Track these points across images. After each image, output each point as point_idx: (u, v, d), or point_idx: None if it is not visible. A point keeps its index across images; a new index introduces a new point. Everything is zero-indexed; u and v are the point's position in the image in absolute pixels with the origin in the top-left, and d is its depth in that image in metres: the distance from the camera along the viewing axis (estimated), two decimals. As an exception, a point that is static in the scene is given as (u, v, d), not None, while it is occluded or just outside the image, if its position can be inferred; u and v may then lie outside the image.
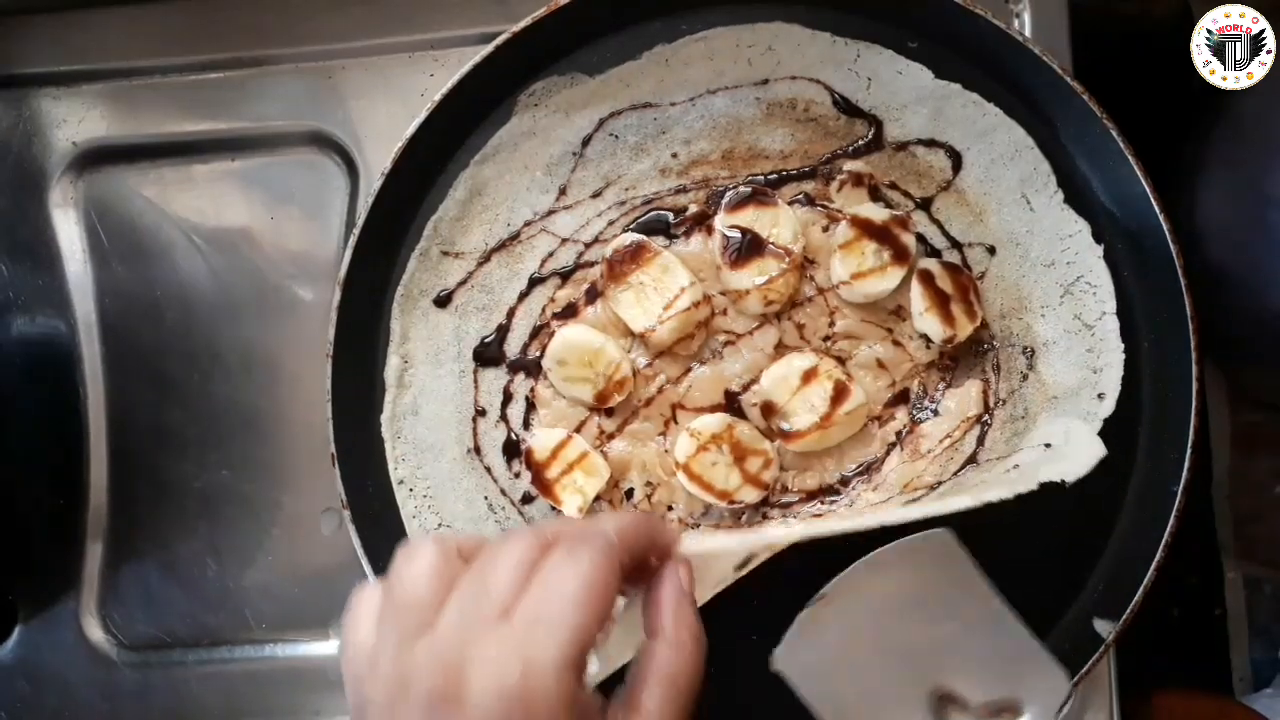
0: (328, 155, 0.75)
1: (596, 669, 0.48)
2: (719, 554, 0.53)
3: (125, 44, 0.76)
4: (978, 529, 0.65)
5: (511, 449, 0.66)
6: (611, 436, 0.65)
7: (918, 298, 0.63)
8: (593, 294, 0.65)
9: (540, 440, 0.64)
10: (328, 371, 0.64)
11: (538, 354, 0.66)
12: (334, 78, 0.74)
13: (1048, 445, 0.61)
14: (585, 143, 0.66)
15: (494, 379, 0.66)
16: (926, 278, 0.64)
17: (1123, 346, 0.64)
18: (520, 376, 0.66)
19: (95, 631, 0.76)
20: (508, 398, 0.66)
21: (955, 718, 0.51)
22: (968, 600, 0.52)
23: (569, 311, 0.66)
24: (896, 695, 0.51)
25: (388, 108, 0.74)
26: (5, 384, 0.77)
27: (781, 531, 0.54)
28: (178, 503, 0.76)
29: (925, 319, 0.63)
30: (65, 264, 0.77)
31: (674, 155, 0.66)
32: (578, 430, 0.65)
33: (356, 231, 0.64)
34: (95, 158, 0.77)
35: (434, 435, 0.66)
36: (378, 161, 0.73)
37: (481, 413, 0.66)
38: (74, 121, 0.77)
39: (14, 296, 0.77)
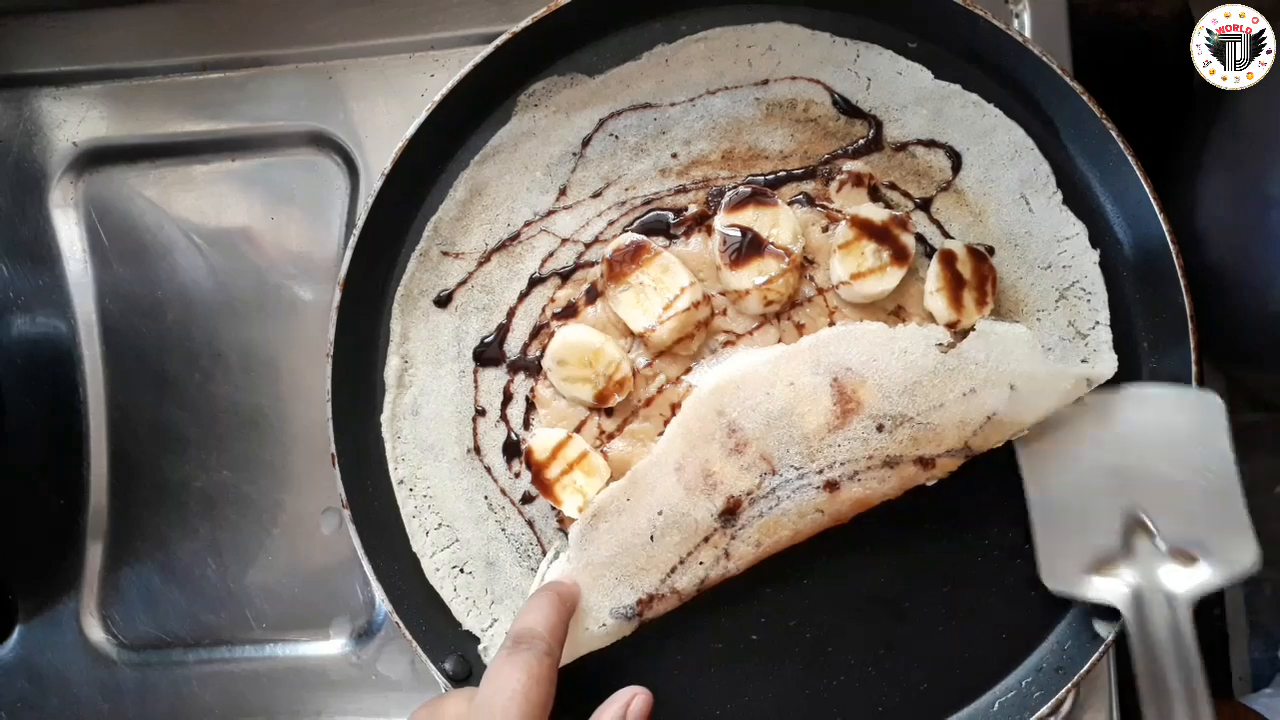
0: (328, 155, 0.76)
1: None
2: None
3: (125, 44, 0.76)
4: (979, 531, 0.66)
5: (511, 449, 0.66)
6: (611, 436, 0.65)
7: (933, 276, 0.63)
8: (593, 294, 0.65)
9: (540, 440, 0.64)
10: (328, 372, 0.64)
11: (538, 354, 0.66)
12: (334, 78, 0.74)
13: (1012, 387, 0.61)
14: (585, 143, 0.66)
15: (494, 379, 0.66)
16: (948, 259, 0.63)
17: (1115, 359, 0.63)
18: (520, 376, 0.66)
19: (96, 631, 0.77)
20: (508, 398, 0.66)
21: (1140, 542, 0.57)
22: (1206, 458, 0.57)
23: (569, 311, 0.66)
24: (1097, 500, 0.58)
25: (388, 108, 0.74)
26: (5, 384, 0.77)
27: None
28: (178, 503, 0.76)
29: (935, 298, 0.63)
30: (65, 264, 0.77)
31: (674, 155, 0.66)
32: (578, 430, 0.65)
33: (356, 232, 0.64)
34: (95, 158, 0.77)
35: (434, 435, 0.66)
36: (378, 162, 0.73)
37: (481, 413, 0.66)
38: (74, 121, 0.77)
39: (14, 296, 0.77)
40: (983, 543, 0.66)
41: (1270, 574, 0.85)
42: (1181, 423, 0.58)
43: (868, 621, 0.65)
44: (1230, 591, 0.85)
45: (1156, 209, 0.62)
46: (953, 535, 0.65)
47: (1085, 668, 0.63)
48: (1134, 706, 0.72)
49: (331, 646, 0.75)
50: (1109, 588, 0.58)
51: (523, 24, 0.63)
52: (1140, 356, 0.65)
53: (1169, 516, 0.57)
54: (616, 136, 0.66)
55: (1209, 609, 0.86)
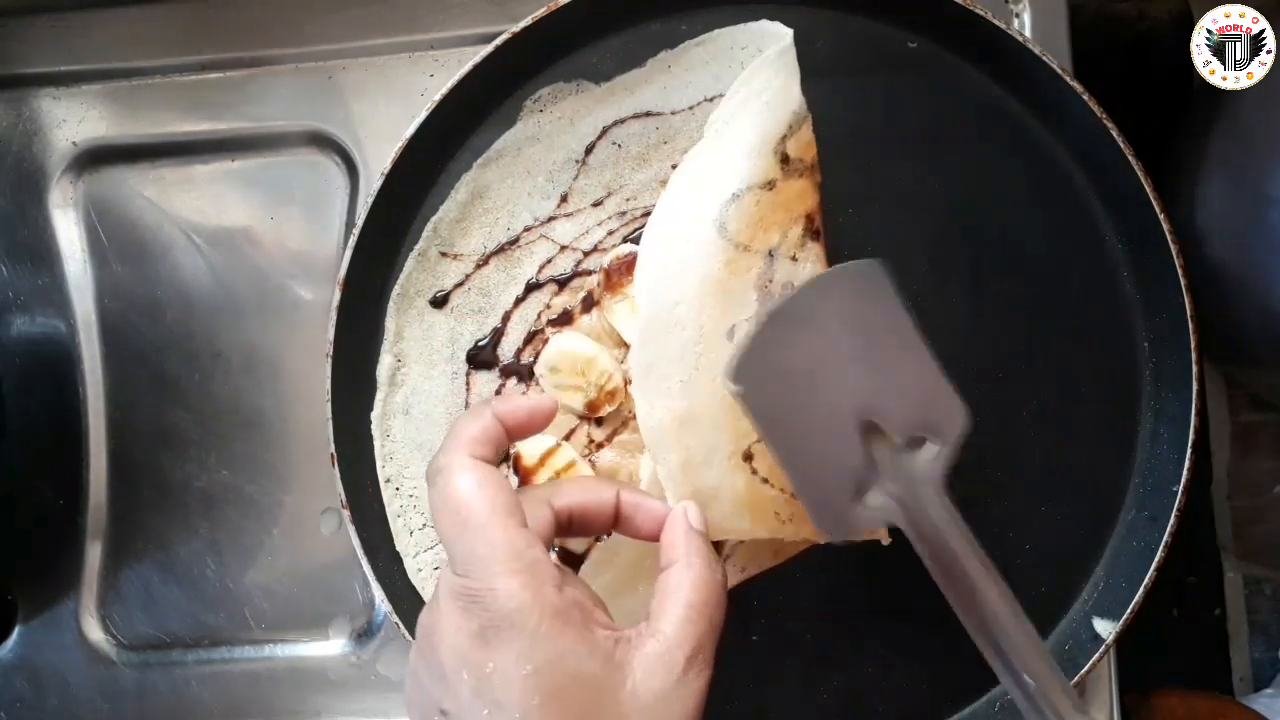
0: (328, 155, 0.75)
1: None
2: None
3: (125, 44, 0.76)
4: (979, 530, 0.65)
5: (500, 453, 0.66)
6: (600, 446, 0.65)
7: None
8: (589, 303, 0.65)
9: (529, 446, 0.64)
10: (327, 371, 0.64)
11: (531, 360, 0.66)
12: (334, 78, 0.74)
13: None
14: (588, 150, 0.66)
15: (486, 382, 0.66)
16: None
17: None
18: (512, 381, 0.66)
19: (95, 631, 0.77)
20: (500, 401, 0.66)
21: (878, 446, 0.52)
22: (888, 329, 0.52)
23: (564, 319, 0.66)
24: (831, 421, 0.52)
25: (388, 108, 0.74)
26: (4, 384, 0.77)
27: None
28: (178, 503, 0.76)
29: None
30: (65, 264, 0.77)
31: (674, 166, 0.65)
32: (567, 438, 0.65)
33: (356, 231, 0.64)
34: (95, 158, 0.77)
35: (423, 435, 0.66)
36: (377, 161, 0.73)
37: (474, 415, 0.66)
38: (74, 121, 0.77)
39: (14, 296, 0.77)
40: (982, 544, 0.66)
41: (1270, 574, 0.86)
42: (857, 302, 0.52)
43: (867, 623, 0.65)
44: (1230, 592, 0.85)
45: (1157, 209, 0.62)
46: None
47: (1086, 668, 0.63)
48: (1134, 706, 0.72)
49: (331, 647, 0.75)
50: (878, 506, 0.52)
51: (522, 24, 0.63)
52: (1140, 357, 0.65)
53: (890, 410, 0.52)
54: (619, 145, 0.66)
55: (1208, 609, 0.86)
